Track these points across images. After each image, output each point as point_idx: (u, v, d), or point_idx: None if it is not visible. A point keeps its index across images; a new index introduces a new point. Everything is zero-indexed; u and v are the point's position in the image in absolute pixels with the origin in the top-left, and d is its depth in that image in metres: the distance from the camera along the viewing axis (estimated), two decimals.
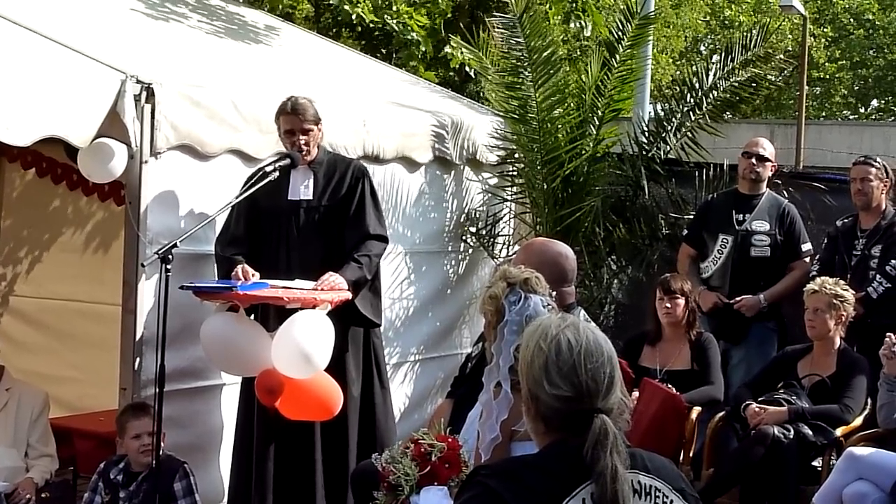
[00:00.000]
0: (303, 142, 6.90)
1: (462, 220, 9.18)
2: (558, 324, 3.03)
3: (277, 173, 6.72)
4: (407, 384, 8.69)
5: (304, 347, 6.37)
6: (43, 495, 6.77)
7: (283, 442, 6.85)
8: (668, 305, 7.75)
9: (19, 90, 5.99)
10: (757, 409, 7.19)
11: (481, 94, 11.64)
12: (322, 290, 6.63)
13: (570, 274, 5.54)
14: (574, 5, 15.00)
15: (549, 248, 5.59)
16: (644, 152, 9.60)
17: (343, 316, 6.79)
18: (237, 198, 6.66)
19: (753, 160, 8.50)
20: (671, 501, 2.99)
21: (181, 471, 6.44)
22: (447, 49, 13.32)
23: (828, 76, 30.82)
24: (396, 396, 8.50)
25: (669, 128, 9.66)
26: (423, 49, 13.20)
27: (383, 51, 13.92)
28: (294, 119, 6.91)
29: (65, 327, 8.86)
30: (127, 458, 6.44)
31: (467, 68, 13.73)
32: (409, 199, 8.64)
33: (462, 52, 12.35)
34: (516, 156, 9.43)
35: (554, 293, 4.72)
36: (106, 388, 7.41)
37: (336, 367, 6.66)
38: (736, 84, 9.62)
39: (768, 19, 20.22)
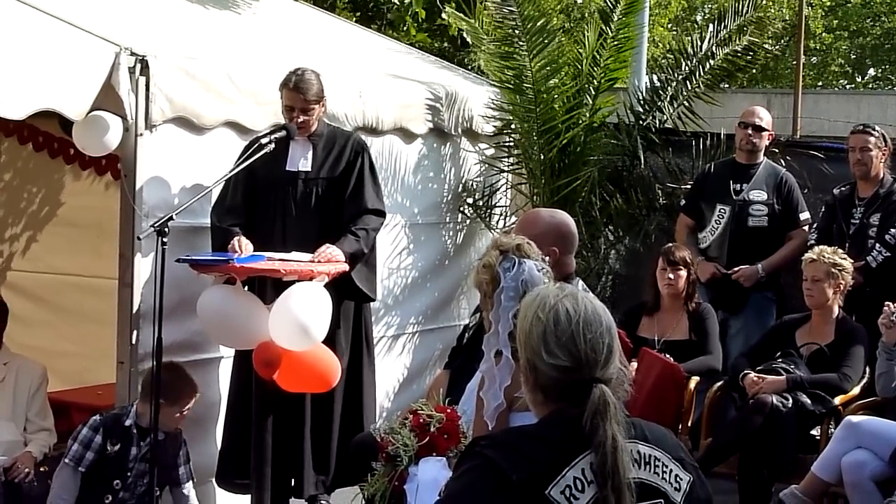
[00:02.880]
0: (300, 119, 6.88)
1: (459, 191, 9.17)
2: (556, 294, 3.02)
3: (273, 145, 6.70)
4: (405, 355, 8.69)
5: (301, 319, 6.37)
6: (41, 469, 6.77)
7: (274, 413, 6.86)
8: (671, 276, 7.73)
9: (13, 63, 5.97)
10: (755, 379, 7.19)
11: (476, 65, 11.59)
12: (319, 262, 6.62)
13: (574, 242, 5.54)
14: None
15: (554, 217, 5.60)
16: (640, 122, 9.59)
17: (337, 290, 6.79)
18: (233, 170, 6.65)
19: (750, 130, 8.49)
20: (671, 471, 2.98)
21: (180, 437, 6.54)
22: (443, 16, 13.27)
23: (825, 45, 30.74)
24: (395, 367, 8.52)
25: (665, 97, 9.65)
26: (415, 10, 13.15)
27: (378, 22, 13.85)
28: (295, 96, 6.88)
29: (62, 301, 8.85)
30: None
31: (463, 36, 13.68)
32: (406, 171, 8.62)
33: (457, 20, 12.29)
34: (512, 126, 9.40)
35: (547, 258, 4.72)
36: (103, 362, 7.42)
37: (326, 341, 6.66)
38: (732, 53, 9.60)
39: None
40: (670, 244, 8.09)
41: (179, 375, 6.46)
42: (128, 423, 6.42)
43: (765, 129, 8.51)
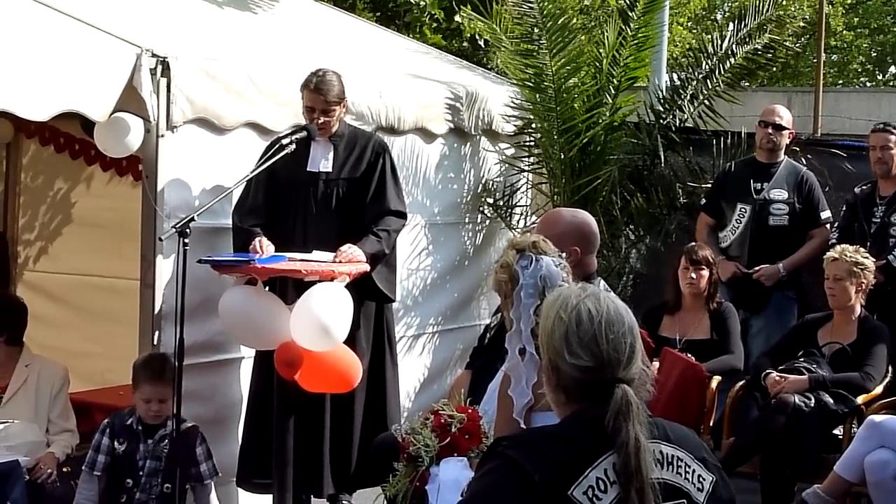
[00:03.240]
0: (321, 121, 6.89)
1: (479, 191, 9.16)
2: (578, 294, 3.02)
3: (294, 146, 6.71)
4: (425, 355, 8.69)
5: (322, 320, 6.37)
6: (64, 469, 6.78)
7: (295, 413, 6.87)
8: (693, 276, 7.70)
9: (36, 65, 5.99)
10: (777, 378, 7.17)
11: (495, 65, 11.59)
12: (340, 261, 6.63)
13: (595, 242, 5.54)
14: None
15: (576, 216, 5.60)
16: (661, 121, 9.57)
17: (357, 290, 6.80)
18: (254, 170, 6.66)
19: (770, 129, 8.47)
20: (693, 471, 2.98)
21: (199, 436, 6.51)
22: (457, 18, 13.27)
23: (845, 43, 30.64)
24: (415, 368, 8.51)
25: (686, 96, 9.64)
26: (432, 12, 13.17)
27: (398, 22, 13.87)
28: (316, 97, 6.89)
29: (84, 302, 8.89)
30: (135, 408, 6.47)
31: (478, 38, 13.69)
32: (426, 171, 8.62)
33: (473, 22, 12.30)
34: (533, 125, 9.40)
35: (574, 260, 4.72)
36: (125, 363, 7.38)
37: (347, 341, 6.66)
38: (752, 51, 9.58)
39: None
40: (693, 243, 8.06)
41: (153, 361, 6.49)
42: (129, 421, 6.44)
43: (785, 128, 8.49)
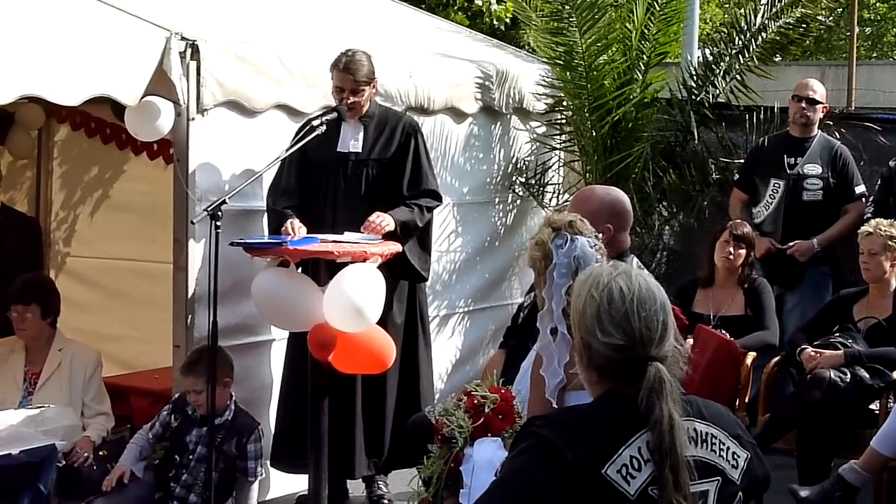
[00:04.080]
0: (350, 101, 6.88)
1: (510, 170, 9.14)
2: (610, 272, 3.00)
3: (325, 127, 6.71)
4: (457, 336, 8.68)
5: (355, 301, 6.37)
6: (100, 453, 6.82)
7: (328, 395, 6.88)
8: (731, 251, 7.65)
9: (66, 50, 6.01)
10: (812, 354, 7.13)
11: (526, 44, 11.56)
12: (369, 230, 6.63)
13: (628, 219, 5.51)
14: None
15: (609, 194, 5.57)
16: (693, 97, 9.52)
17: (390, 269, 6.80)
18: (285, 152, 6.66)
19: (804, 104, 8.42)
20: (728, 448, 2.97)
21: (256, 433, 6.56)
22: (477, 1, 13.28)
23: (879, 16, 30.40)
24: (447, 349, 8.51)
25: (718, 71, 9.57)
26: None
27: (422, 6, 13.89)
28: (345, 77, 6.88)
29: (118, 286, 8.92)
30: None
31: (496, 22, 13.70)
32: (457, 150, 8.60)
33: (497, 4, 12.30)
34: (564, 103, 9.36)
35: (607, 238, 4.69)
36: (160, 346, 7.46)
37: (380, 322, 6.66)
38: (785, 26, 9.52)
39: None
40: (738, 220, 8.02)
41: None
42: (188, 406, 6.49)
43: (819, 102, 8.44)
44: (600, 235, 4.65)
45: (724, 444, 2.96)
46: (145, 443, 6.64)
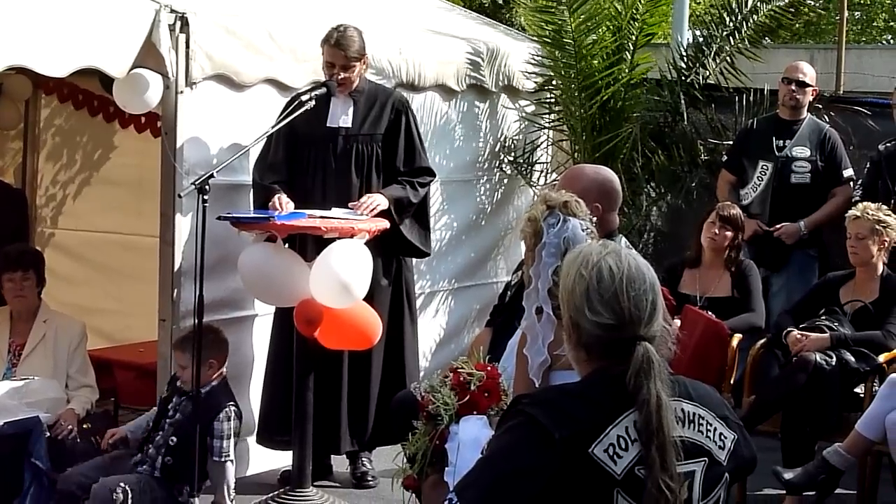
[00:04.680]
0: (341, 76, 6.87)
1: (498, 148, 9.12)
2: (599, 251, 2.99)
3: (314, 102, 6.69)
4: (442, 314, 8.67)
5: (342, 277, 6.36)
6: (84, 426, 6.79)
7: (314, 370, 6.87)
8: (717, 231, 7.65)
9: (54, 21, 5.98)
10: (798, 336, 7.13)
11: (514, 21, 11.54)
12: (359, 210, 6.62)
13: (617, 199, 5.50)
14: None
15: (598, 173, 5.55)
16: (683, 78, 9.51)
17: (389, 246, 6.79)
18: (273, 127, 6.64)
19: (793, 86, 8.41)
20: (715, 429, 2.96)
21: (225, 412, 6.33)
22: None
23: (868, 0, 30.41)
24: (432, 326, 8.50)
25: (708, 53, 9.57)
26: None
27: None
28: (336, 53, 6.87)
29: (104, 260, 8.90)
30: None
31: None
32: (445, 127, 8.58)
33: None
34: (553, 82, 9.34)
35: (595, 218, 4.67)
36: (146, 320, 7.45)
37: (366, 298, 6.65)
38: (776, 8, 9.52)
39: None
40: (727, 202, 8.01)
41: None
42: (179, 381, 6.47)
43: (808, 85, 8.43)
44: (594, 219, 4.63)
45: (711, 424, 2.96)
46: (152, 415, 6.59)
